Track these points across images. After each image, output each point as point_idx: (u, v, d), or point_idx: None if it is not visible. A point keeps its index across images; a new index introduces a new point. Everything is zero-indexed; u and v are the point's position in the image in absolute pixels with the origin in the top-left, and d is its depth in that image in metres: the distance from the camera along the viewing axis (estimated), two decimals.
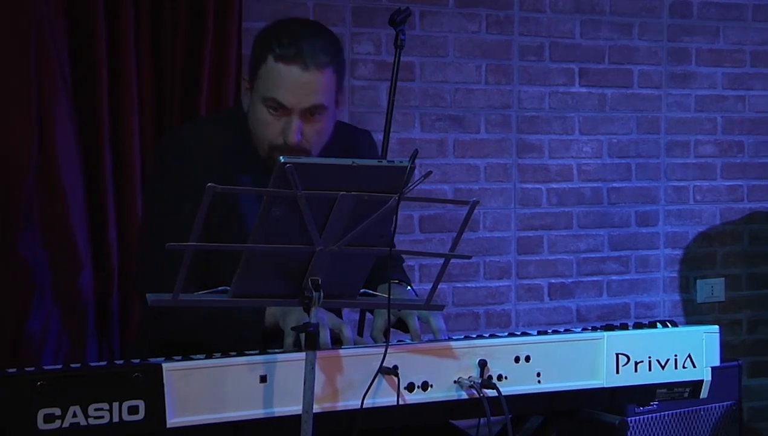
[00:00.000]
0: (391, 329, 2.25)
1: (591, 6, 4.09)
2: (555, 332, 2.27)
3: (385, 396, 2.03)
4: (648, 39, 4.19)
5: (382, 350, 2.01)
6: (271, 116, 2.26)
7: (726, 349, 4.03)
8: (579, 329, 2.31)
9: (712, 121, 4.31)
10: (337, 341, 2.11)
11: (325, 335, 2.03)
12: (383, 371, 2.00)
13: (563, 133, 4.09)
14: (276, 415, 1.95)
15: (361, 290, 2.01)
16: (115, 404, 1.84)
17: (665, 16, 4.21)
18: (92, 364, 1.96)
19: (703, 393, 2.31)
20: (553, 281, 4.08)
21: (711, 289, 4.32)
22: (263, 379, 1.95)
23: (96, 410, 1.83)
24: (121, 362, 1.94)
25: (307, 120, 2.26)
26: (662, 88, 4.23)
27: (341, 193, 1.81)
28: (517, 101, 4.01)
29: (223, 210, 2.22)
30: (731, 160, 4.34)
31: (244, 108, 2.36)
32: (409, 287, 2.41)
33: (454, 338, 2.17)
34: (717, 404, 3.68)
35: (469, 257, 2.15)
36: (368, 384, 1.98)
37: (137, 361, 1.92)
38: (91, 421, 1.82)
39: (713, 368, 2.31)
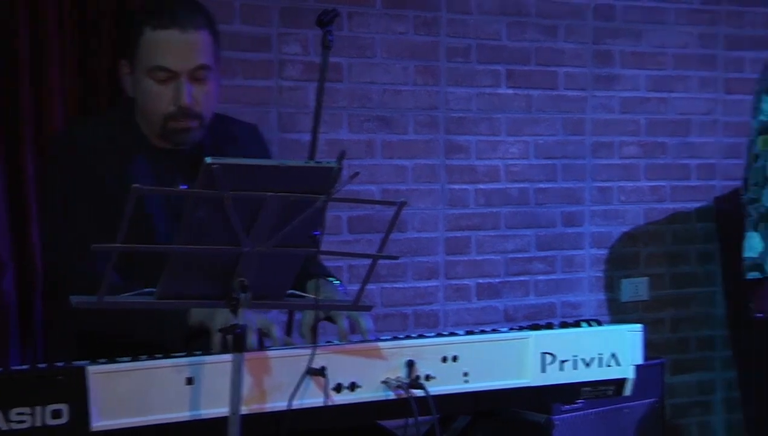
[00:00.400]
0: (320, 330, 2.25)
1: (517, 8, 4.13)
2: (482, 332, 2.28)
3: (312, 397, 2.02)
4: (573, 41, 4.23)
5: (310, 350, 2.01)
6: (159, 85, 2.31)
7: (649, 347, 4.09)
8: (506, 329, 2.33)
9: (635, 123, 4.37)
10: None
11: (252, 337, 2.03)
12: (311, 372, 2.00)
13: (490, 134, 4.12)
14: (203, 417, 1.94)
15: (289, 290, 2.01)
16: (38, 408, 1.81)
17: (590, 18, 4.26)
18: (14, 368, 1.92)
19: (627, 391, 2.34)
20: (480, 281, 4.11)
21: (635, 288, 4.38)
22: (190, 381, 1.93)
23: (18, 414, 1.80)
24: (44, 365, 1.91)
25: (195, 82, 2.31)
26: (587, 90, 4.28)
27: (268, 194, 1.81)
28: (445, 102, 4.03)
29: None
30: (654, 161, 4.41)
31: (129, 93, 2.38)
32: (336, 281, 2.41)
33: (382, 338, 2.18)
34: (640, 402, 3.74)
35: (397, 258, 2.16)
36: (296, 385, 1.98)
37: (61, 364, 1.90)
38: (13, 425, 1.79)
39: (637, 366, 2.34)
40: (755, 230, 3.04)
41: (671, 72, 4.42)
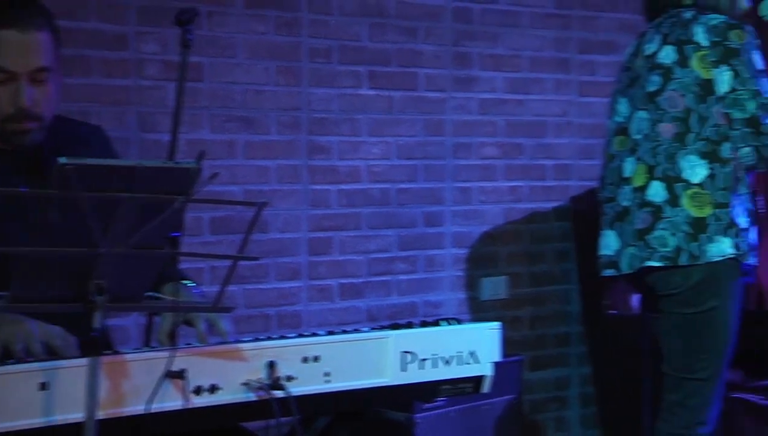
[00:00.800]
0: (179, 333, 2.23)
1: (377, 10, 4.16)
2: (343, 332, 2.30)
3: (172, 400, 2.00)
4: (432, 43, 4.29)
5: (169, 353, 1.99)
6: None
7: (508, 344, 4.17)
8: (367, 329, 2.35)
9: (493, 124, 4.45)
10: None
11: (37, 346, 2.01)
12: (170, 374, 1.98)
13: (352, 135, 4.13)
14: (58, 423, 1.90)
15: (148, 293, 1.98)
16: None
17: (449, 21, 4.32)
18: None
19: (485, 388, 2.39)
20: (343, 281, 4.13)
21: (495, 287, 4.46)
22: (43, 386, 1.89)
23: None
24: None
25: (35, 84, 2.28)
26: (447, 91, 4.33)
27: (125, 195, 1.78)
28: (307, 103, 4.03)
29: None
30: (512, 162, 4.49)
31: None
32: (191, 284, 2.40)
33: (242, 339, 2.17)
34: (500, 398, 3.81)
35: (257, 259, 2.16)
36: (154, 388, 1.95)
37: None
38: None
39: (495, 364, 2.38)
40: (611, 228, 3.12)
41: (527, 74, 4.51)
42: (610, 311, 4.18)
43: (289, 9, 3.98)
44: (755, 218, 3.01)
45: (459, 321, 2.40)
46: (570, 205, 4.61)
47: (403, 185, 4.25)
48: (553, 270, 4.61)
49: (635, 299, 4.07)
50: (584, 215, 4.45)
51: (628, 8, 4.63)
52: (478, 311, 4.38)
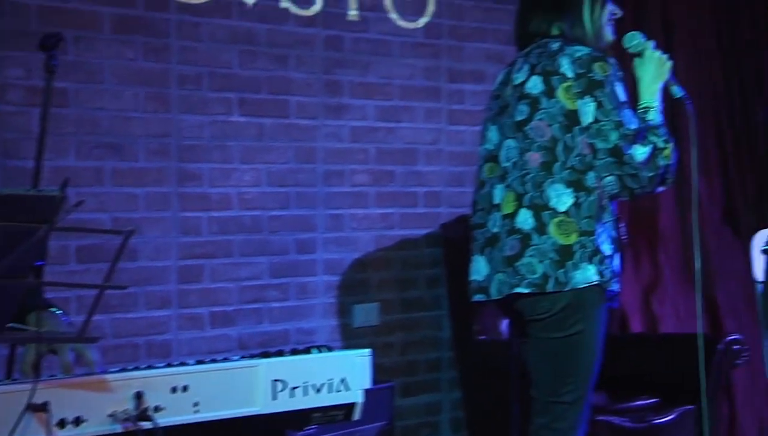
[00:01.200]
0: (44, 364, 2.18)
1: (248, 37, 4.15)
2: (213, 360, 2.28)
3: (34, 434, 1.95)
4: (303, 71, 4.30)
5: (31, 385, 1.94)
6: None
7: (380, 371, 4.19)
8: (237, 357, 2.33)
9: (365, 152, 4.47)
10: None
11: None
12: (32, 407, 1.93)
13: (223, 162, 4.11)
14: None
15: (10, 324, 1.93)
16: None
17: (320, 49, 4.34)
18: None
19: (356, 415, 2.39)
20: (214, 309, 4.08)
21: (366, 313, 4.47)
22: None
23: None
24: None
25: None
26: (318, 118, 4.35)
27: None
28: (177, 130, 3.99)
29: None
30: (383, 189, 4.53)
31: None
32: (58, 311, 2.34)
33: (109, 370, 2.13)
34: (371, 425, 3.81)
35: (125, 287, 2.12)
36: (15, 422, 1.90)
37: None
38: None
39: (366, 391, 2.39)
40: (481, 254, 3.16)
41: (398, 103, 4.56)
42: (480, 337, 4.24)
43: (158, 35, 3.94)
44: (619, 245, 3.09)
45: (330, 348, 2.41)
46: (440, 232, 4.66)
47: (274, 212, 4.24)
48: (424, 296, 4.65)
49: (504, 325, 4.14)
50: (454, 242, 4.51)
51: (496, 39, 4.73)
52: (350, 338, 4.39)
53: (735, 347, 4.30)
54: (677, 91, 3.16)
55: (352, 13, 4.42)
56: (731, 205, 5.42)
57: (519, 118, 3.07)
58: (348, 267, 4.43)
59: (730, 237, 5.38)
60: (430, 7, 4.63)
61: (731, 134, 5.42)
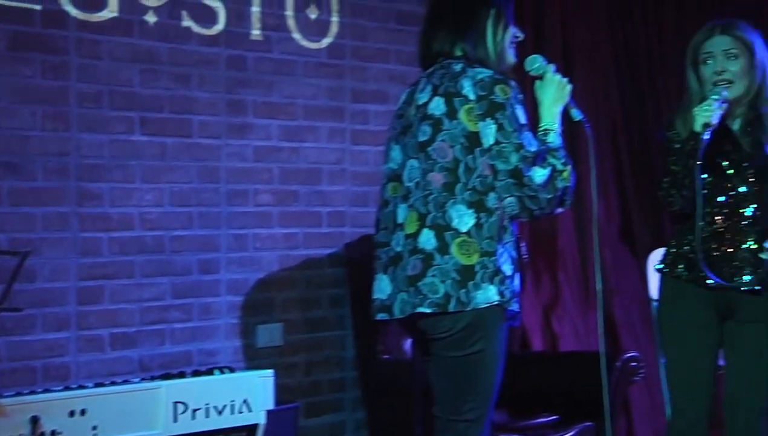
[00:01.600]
0: None
1: (149, 56, 4.12)
2: (113, 383, 2.25)
3: None
4: (207, 90, 4.27)
5: None
6: None
7: (284, 391, 4.18)
8: (138, 380, 2.31)
9: (268, 172, 4.46)
10: None
11: None
12: None
13: (124, 182, 4.06)
14: None
15: None
16: None
17: (222, 68, 4.33)
18: None
19: None
20: (114, 330, 4.02)
21: (270, 334, 4.45)
22: None
23: None
24: None
25: None
26: (221, 138, 4.33)
27: None
28: (77, 149, 3.93)
29: None
30: (287, 209, 4.52)
31: None
32: None
33: (4, 394, 2.09)
34: None
35: (20, 310, 2.08)
36: None
37: None
38: None
39: (269, 412, 2.39)
40: (384, 272, 3.18)
41: (302, 122, 4.56)
42: (384, 356, 4.25)
43: (56, 52, 3.88)
44: (519, 265, 3.13)
45: (232, 370, 2.40)
46: (344, 251, 4.67)
47: (177, 233, 4.20)
48: (328, 316, 4.65)
49: (408, 344, 4.16)
50: (358, 262, 4.52)
51: (399, 60, 4.77)
52: (254, 359, 4.36)
53: (632, 364, 4.39)
54: (576, 114, 3.22)
55: (255, 33, 4.42)
56: (628, 225, 5.54)
57: (422, 138, 3.10)
58: (251, 287, 4.41)
59: (627, 256, 5.49)
60: (334, 28, 4.65)
61: (628, 154, 5.54)
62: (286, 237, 4.52)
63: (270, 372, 2.40)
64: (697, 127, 3.38)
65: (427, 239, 3.05)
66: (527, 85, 3.24)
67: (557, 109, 3.17)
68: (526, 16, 5.01)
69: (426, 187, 3.07)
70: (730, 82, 3.45)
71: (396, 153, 3.20)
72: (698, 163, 3.34)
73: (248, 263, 4.41)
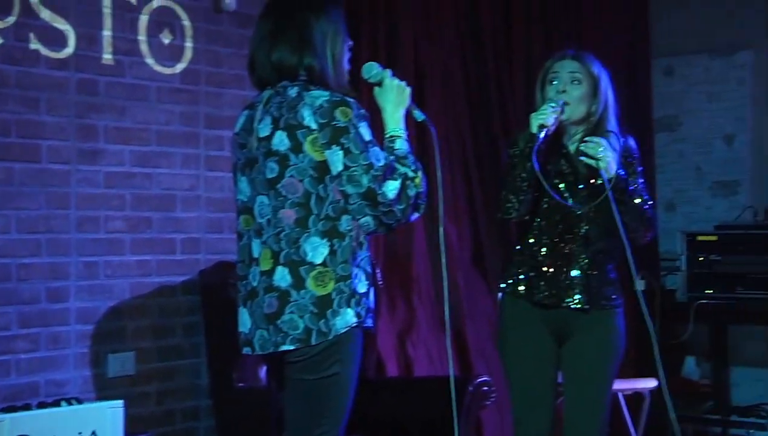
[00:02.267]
0: None
1: None
2: None
3: None
4: (56, 115, 4.19)
5: None
6: None
7: (136, 421, 4.11)
8: None
9: (120, 198, 4.39)
10: None
11: None
12: None
13: None
14: None
15: None
16: None
17: (73, 93, 4.25)
18: None
19: None
20: None
21: (121, 363, 4.36)
22: None
23: None
24: None
25: None
26: (71, 163, 4.24)
27: None
28: None
29: None
30: (140, 236, 4.45)
31: None
32: None
33: None
34: None
35: None
36: None
37: None
38: None
39: None
40: (244, 306, 3.15)
41: (155, 148, 4.51)
42: (239, 384, 4.22)
43: None
44: (373, 279, 3.15)
45: (80, 401, 2.35)
46: (198, 278, 4.63)
47: (24, 260, 4.10)
48: (181, 344, 4.59)
49: (263, 371, 4.14)
50: (213, 289, 4.48)
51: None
52: (105, 389, 4.26)
53: (484, 388, 4.45)
54: (419, 115, 3.24)
55: (107, 57, 4.35)
56: (479, 248, 5.62)
57: (270, 175, 3.06)
58: (102, 315, 4.33)
59: (479, 280, 5.58)
60: (188, 54, 4.62)
61: (478, 177, 5.62)
62: (138, 264, 4.45)
63: (120, 402, 2.36)
64: (534, 129, 3.49)
65: (282, 277, 3.04)
66: (368, 94, 3.24)
67: (400, 114, 3.17)
68: (381, 40, 5.07)
69: (277, 224, 3.05)
70: (567, 103, 3.57)
71: (244, 185, 3.16)
72: (534, 158, 3.42)
73: (99, 291, 4.32)
